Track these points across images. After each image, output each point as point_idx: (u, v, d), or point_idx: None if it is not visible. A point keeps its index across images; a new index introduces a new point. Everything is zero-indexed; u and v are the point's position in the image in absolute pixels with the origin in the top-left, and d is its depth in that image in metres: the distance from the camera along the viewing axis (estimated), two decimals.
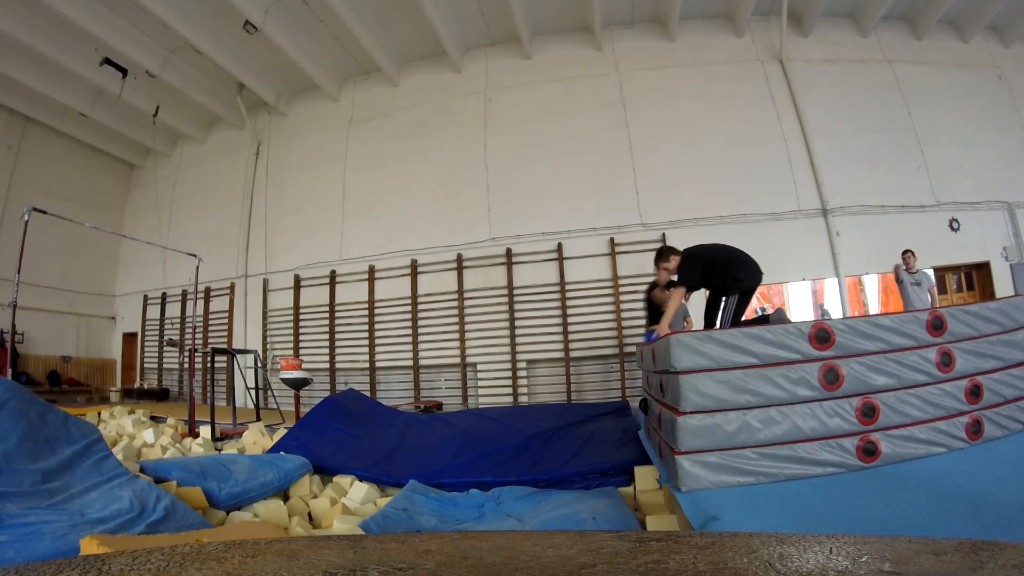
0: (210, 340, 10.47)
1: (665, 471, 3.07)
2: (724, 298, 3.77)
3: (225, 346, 9.61)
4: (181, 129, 11.42)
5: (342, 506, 3.47)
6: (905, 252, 6.52)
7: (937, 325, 2.97)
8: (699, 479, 2.57)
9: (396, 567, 0.57)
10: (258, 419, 6.40)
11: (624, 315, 8.20)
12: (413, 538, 0.78)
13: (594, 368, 8.37)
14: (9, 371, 8.05)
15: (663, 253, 4.00)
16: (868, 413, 2.75)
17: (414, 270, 9.24)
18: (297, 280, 9.99)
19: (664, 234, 8.29)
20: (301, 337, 9.82)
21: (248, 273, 10.51)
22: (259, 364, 7.81)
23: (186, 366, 8.23)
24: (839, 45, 8.96)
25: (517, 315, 8.64)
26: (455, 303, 8.93)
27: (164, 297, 11.35)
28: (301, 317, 9.87)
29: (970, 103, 8.62)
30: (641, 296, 6.55)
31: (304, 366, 7.04)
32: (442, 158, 9.52)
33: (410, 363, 9.01)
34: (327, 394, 8.09)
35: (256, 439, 5.11)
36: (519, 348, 8.54)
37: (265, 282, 10.30)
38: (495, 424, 5.33)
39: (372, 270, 9.49)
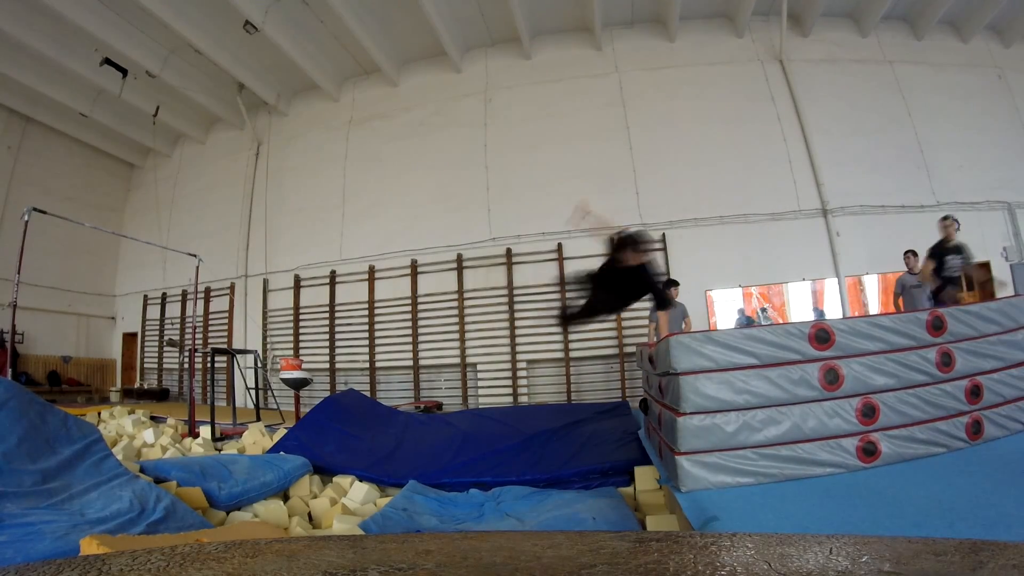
0: (210, 340, 10.47)
1: (665, 471, 3.07)
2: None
3: (225, 346, 9.61)
4: (181, 129, 11.42)
5: (342, 506, 3.47)
6: (906, 253, 6.37)
7: (937, 325, 2.97)
8: (699, 479, 2.57)
9: (396, 567, 0.57)
10: (258, 419, 6.40)
11: (624, 315, 8.19)
12: (413, 538, 0.78)
13: (594, 368, 8.37)
14: (9, 371, 8.05)
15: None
16: (868, 413, 2.75)
17: (414, 270, 9.24)
18: (297, 280, 9.99)
19: (664, 234, 8.29)
20: (301, 337, 9.82)
21: (248, 273, 10.51)
22: (259, 364, 7.81)
23: (186, 366, 8.23)
24: (839, 45, 8.96)
25: (517, 315, 8.64)
26: (455, 303, 8.93)
27: (164, 297, 11.35)
28: (301, 317, 9.87)
29: (970, 103, 8.62)
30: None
31: (304, 366, 7.04)
32: (442, 158, 9.52)
33: (410, 363, 9.01)
34: (327, 394, 8.09)
35: (256, 439, 5.11)
36: (519, 348, 8.54)
37: (265, 282, 10.30)
38: (495, 424, 5.33)
39: (372, 270, 9.49)
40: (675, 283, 6.31)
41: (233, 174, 11.14)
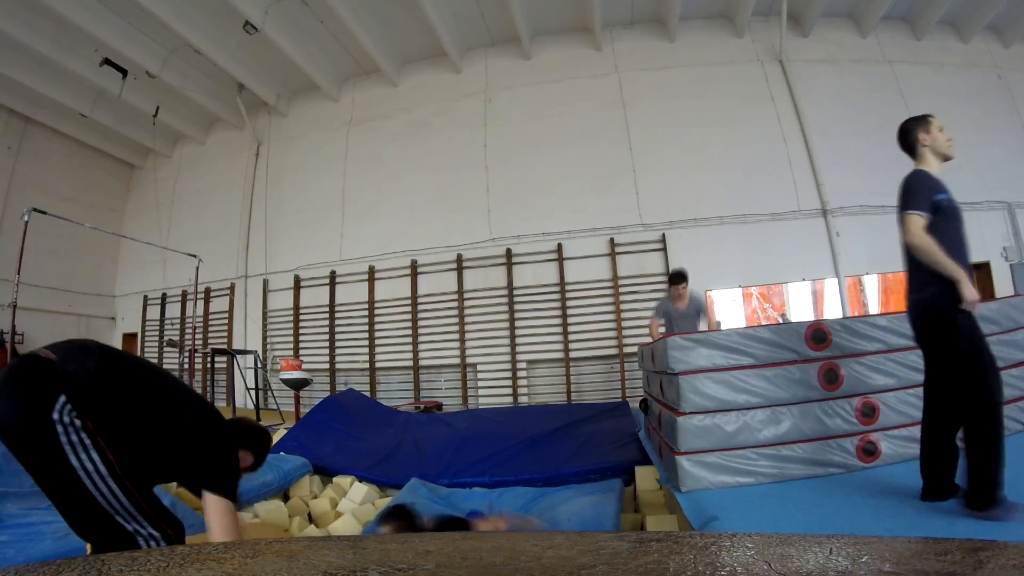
0: (210, 340, 10.47)
1: (665, 471, 3.07)
2: None
3: (225, 347, 9.61)
4: (181, 129, 11.42)
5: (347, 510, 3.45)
6: None
7: None
8: (699, 479, 2.58)
9: (396, 567, 0.57)
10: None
11: (624, 315, 8.20)
12: (413, 538, 0.78)
13: (594, 368, 8.37)
14: None
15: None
16: (868, 413, 2.75)
17: (414, 270, 9.24)
18: (297, 280, 9.99)
19: (664, 234, 8.30)
20: (301, 337, 9.82)
21: (248, 273, 10.51)
22: (259, 365, 7.82)
23: (186, 367, 8.23)
24: (839, 45, 8.96)
25: (517, 315, 8.64)
26: (455, 303, 8.93)
27: (164, 297, 11.35)
28: (301, 317, 9.87)
29: (970, 103, 8.61)
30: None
31: (304, 367, 7.05)
32: (442, 158, 9.53)
33: (410, 363, 9.01)
34: (327, 394, 8.09)
35: None
36: (519, 348, 8.54)
37: (265, 282, 10.30)
38: (495, 424, 5.33)
39: (372, 270, 9.49)
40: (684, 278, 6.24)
41: (233, 174, 11.15)
